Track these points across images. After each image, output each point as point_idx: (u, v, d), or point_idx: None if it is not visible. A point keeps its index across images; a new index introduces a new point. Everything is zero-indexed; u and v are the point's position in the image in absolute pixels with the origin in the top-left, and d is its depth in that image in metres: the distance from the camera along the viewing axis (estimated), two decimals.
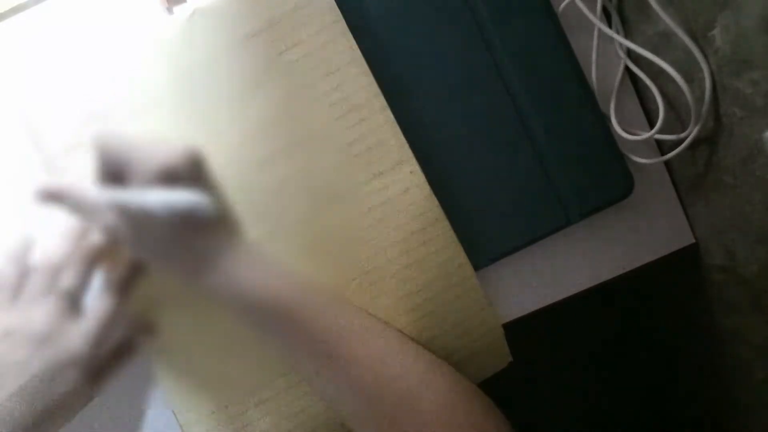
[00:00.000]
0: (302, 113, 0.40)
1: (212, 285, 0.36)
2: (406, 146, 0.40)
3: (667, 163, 0.43)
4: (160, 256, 0.36)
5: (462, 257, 0.41)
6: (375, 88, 0.40)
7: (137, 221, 0.35)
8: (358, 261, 0.41)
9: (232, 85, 0.40)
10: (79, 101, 0.40)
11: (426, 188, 0.40)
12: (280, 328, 0.36)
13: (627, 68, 0.42)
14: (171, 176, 0.34)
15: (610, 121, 0.42)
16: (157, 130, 0.40)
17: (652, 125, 0.43)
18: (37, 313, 0.35)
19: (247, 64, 0.40)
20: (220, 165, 0.40)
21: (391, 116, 0.40)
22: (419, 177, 0.40)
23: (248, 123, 0.40)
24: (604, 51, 0.42)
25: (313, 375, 0.37)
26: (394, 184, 0.40)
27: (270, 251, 0.39)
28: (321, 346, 0.36)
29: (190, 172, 0.35)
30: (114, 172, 0.35)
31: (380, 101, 0.40)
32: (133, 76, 0.40)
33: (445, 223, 0.41)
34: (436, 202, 0.41)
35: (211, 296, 0.37)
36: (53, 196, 0.35)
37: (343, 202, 0.40)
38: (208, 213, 0.35)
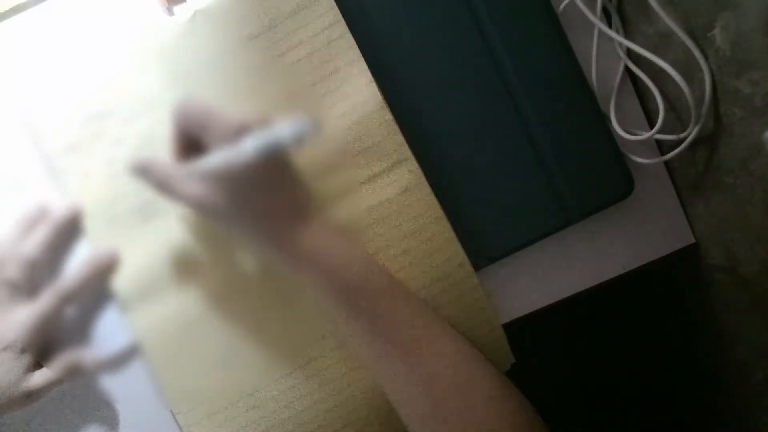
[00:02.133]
0: (302, 114, 0.40)
1: (293, 260, 0.36)
2: (405, 146, 0.40)
3: (667, 163, 0.43)
4: (242, 226, 0.36)
5: (462, 257, 0.41)
6: (374, 87, 0.40)
7: (218, 190, 0.34)
8: None
9: (232, 86, 0.40)
10: (79, 101, 0.40)
11: (425, 188, 0.40)
12: (360, 311, 0.36)
13: (627, 68, 0.41)
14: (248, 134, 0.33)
15: (610, 121, 0.42)
16: (157, 132, 0.40)
17: (652, 125, 0.43)
18: None
19: (247, 65, 0.40)
20: None
21: (391, 116, 0.40)
22: (418, 176, 0.40)
23: None
24: (604, 51, 0.42)
25: (383, 364, 0.37)
26: (394, 184, 0.40)
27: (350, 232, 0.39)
28: (397, 338, 0.36)
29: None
30: (192, 141, 0.35)
31: (379, 101, 0.40)
32: (134, 76, 0.40)
33: (445, 223, 0.41)
34: (436, 202, 0.41)
35: (294, 270, 0.37)
36: (141, 172, 0.36)
37: (343, 201, 0.40)
38: (308, 136, 0.31)
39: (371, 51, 0.40)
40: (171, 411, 0.41)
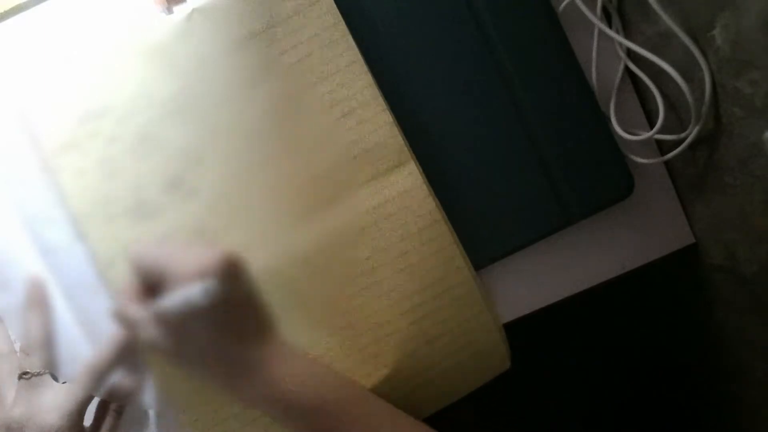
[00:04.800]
0: (302, 115, 0.40)
1: (253, 392, 0.36)
2: (406, 148, 0.40)
3: (667, 163, 0.43)
4: (201, 366, 0.37)
5: (460, 259, 0.41)
6: (375, 89, 0.40)
7: (173, 331, 0.35)
8: (357, 262, 0.40)
9: (230, 85, 0.40)
10: (75, 100, 0.40)
11: (424, 190, 0.40)
12: (324, 428, 0.37)
13: (627, 68, 0.41)
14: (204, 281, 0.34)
15: (610, 121, 0.42)
16: (152, 131, 0.40)
17: (652, 125, 0.43)
18: (8, 396, 0.36)
19: (246, 65, 0.40)
20: (218, 166, 0.40)
21: (391, 118, 0.40)
22: (418, 178, 0.40)
23: (247, 124, 0.40)
24: (604, 51, 0.41)
25: None
26: (393, 186, 0.40)
27: (299, 344, 0.39)
28: None
29: (224, 275, 0.34)
30: (152, 286, 0.36)
31: (380, 103, 0.40)
32: (129, 75, 0.40)
33: (443, 226, 0.40)
34: (435, 204, 0.40)
35: (250, 401, 0.37)
36: (114, 319, 0.37)
37: (342, 203, 0.40)
38: (210, 299, 0.34)
39: (371, 52, 0.40)
40: (170, 410, 0.41)
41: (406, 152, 0.40)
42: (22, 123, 0.40)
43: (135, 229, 0.40)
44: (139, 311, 0.36)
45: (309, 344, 0.41)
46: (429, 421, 0.40)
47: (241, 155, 0.40)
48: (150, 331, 0.35)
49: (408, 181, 0.40)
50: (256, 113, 0.40)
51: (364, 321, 0.41)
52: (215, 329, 0.35)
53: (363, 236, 0.40)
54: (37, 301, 0.40)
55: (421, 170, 0.41)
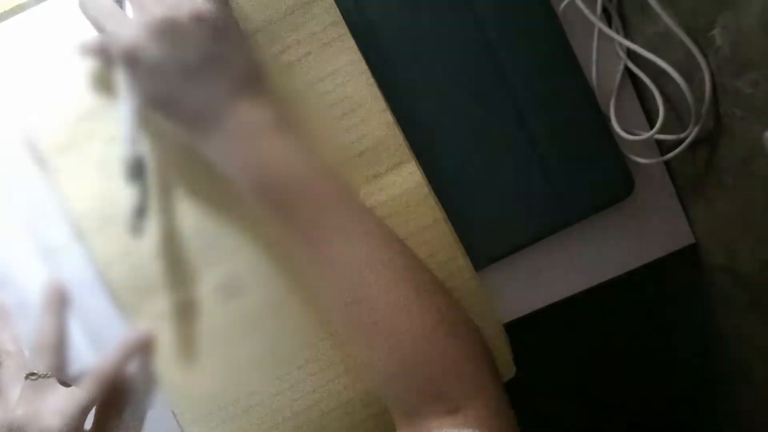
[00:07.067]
0: (302, 114, 0.40)
1: (218, 147, 0.35)
2: (405, 147, 0.40)
3: (667, 163, 0.43)
4: (169, 104, 0.35)
5: (461, 259, 0.41)
6: (375, 88, 0.40)
7: (147, 63, 0.34)
8: None
9: None
10: (73, 100, 0.40)
11: (424, 189, 0.40)
12: (273, 206, 0.35)
13: (627, 68, 0.41)
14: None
15: (610, 121, 0.42)
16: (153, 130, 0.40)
17: (652, 125, 0.43)
18: (13, 396, 0.36)
19: None
20: None
21: (391, 117, 0.40)
22: (418, 178, 0.40)
23: None
24: (604, 51, 0.41)
25: (303, 265, 0.37)
26: (393, 185, 0.40)
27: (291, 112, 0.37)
28: (308, 238, 0.36)
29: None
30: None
31: (380, 102, 0.40)
32: None
33: (444, 225, 0.40)
34: (435, 204, 0.40)
35: (212, 161, 0.36)
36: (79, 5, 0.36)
37: None
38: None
39: (371, 52, 0.40)
40: (172, 410, 0.41)
41: (406, 152, 0.40)
42: (21, 123, 0.40)
43: None
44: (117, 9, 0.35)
45: (307, 344, 0.41)
46: None
47: None
48: (129, 32, 0.34)
49: (408, 180, 0.40)
50: None
51: None
52: (197, 50, 0.34)
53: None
54: (55, 304, 0.39)
55: (421, 170, 0.41)
